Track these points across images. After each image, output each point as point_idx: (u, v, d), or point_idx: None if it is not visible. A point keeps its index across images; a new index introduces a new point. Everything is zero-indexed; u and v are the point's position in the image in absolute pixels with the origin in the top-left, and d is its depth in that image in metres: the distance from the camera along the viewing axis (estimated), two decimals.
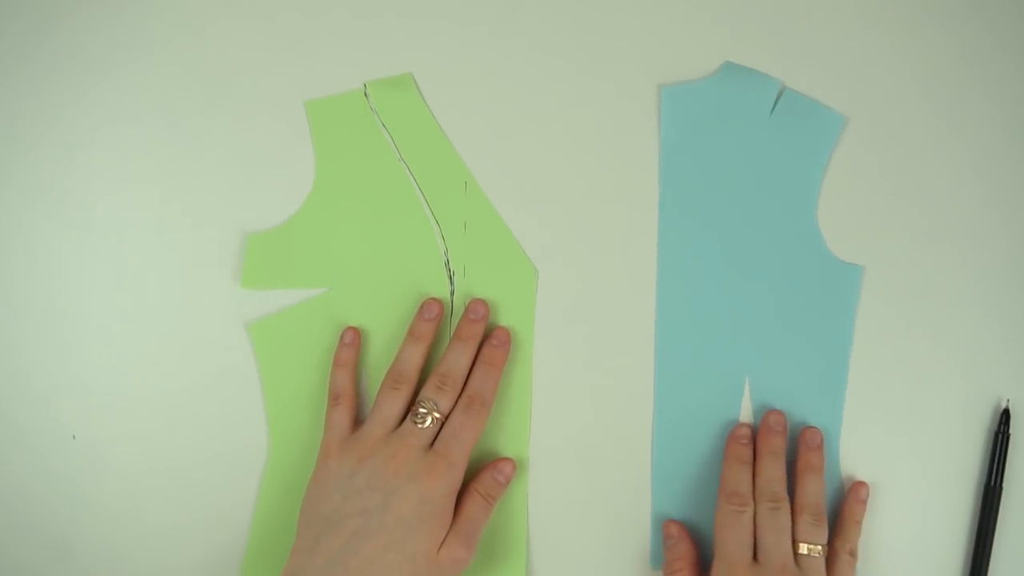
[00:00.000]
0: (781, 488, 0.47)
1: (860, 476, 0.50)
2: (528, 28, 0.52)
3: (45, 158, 0.53)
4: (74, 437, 0.52)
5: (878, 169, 0.51)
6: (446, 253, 0.51)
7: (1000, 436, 0.49)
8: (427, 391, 0.47)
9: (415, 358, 0.48)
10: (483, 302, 0.50)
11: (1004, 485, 0.49)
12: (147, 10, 0.53)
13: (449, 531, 0.45)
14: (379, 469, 0.45)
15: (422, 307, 0.50)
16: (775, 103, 0.51)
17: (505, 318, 0.51)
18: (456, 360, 0.48)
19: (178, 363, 0.52)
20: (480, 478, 0.48)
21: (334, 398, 0.49)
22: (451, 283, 0.51)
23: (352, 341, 0.50)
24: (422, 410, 0.46)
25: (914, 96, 0.51)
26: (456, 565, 0.45)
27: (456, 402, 0.47)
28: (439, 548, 0.45)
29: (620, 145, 0.52)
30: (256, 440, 0.51)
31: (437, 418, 0.46)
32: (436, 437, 0.46)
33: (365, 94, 0.52)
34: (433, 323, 0.49)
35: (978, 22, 0.51)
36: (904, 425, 0.50)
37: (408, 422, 0.46)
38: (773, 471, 0.47)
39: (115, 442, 0.51)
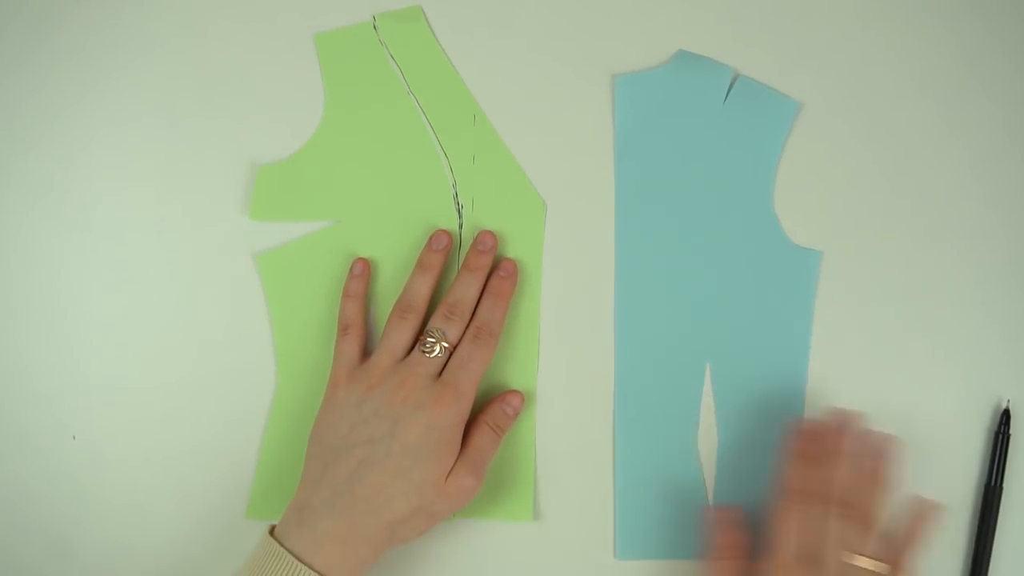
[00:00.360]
0: (853, 495, 0.44)
1: None
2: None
3: (45, 158, 0.53)
4: (74, 437, 0.52)
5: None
6: (455, 186, 0.52)
7: (1000, 436, 0.49)
8: (435, 321, 0.47)
9: (423, 288, 0.49)
10: (491, 233, 0.50)
11: (1004, 485, 0.49)
12: (146, 9, 0.53)
13: (457, 460, 0.45)
14: (386, 397, 0.45)
15: (431, 238, 0.50)
16: (729, 90, 0.51)
17: (514, 250, 0.51)
18: (464, 290, 0.48)
19: (184, 341, 0.52)
20: (489, 410, 0.48)
21: (343, 328, 0.49)
22: (459, 216, 0.51)
23: (362, 272, 0.50)
24: (430, 339, 0.46)
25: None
26: (464, 493, 0.45)
27: (463, 331, 0.47)
28: (447, 477, 0.45)
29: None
30: (263, 387, 0.51)
31: (445, 347, 0.46)
32: (444, 367, 0.47)
33: (374, 27, 0.53)
34: (442, 254, 0.50)
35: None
36: (904, 425, 0.50)
37: (416, 351, 0.46)
38: (843, 473, 0.45)
39: (115, 440, 0.51)
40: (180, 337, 0.52)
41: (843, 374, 0.51)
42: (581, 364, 0.51)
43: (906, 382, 0.50)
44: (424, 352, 0.46)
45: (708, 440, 0.50)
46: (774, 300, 0.51)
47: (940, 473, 0.50)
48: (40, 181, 0.53)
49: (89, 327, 0.52)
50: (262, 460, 0.51)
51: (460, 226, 0.51)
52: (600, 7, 0.53)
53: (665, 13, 0.53)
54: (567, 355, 0.51)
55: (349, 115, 0.52)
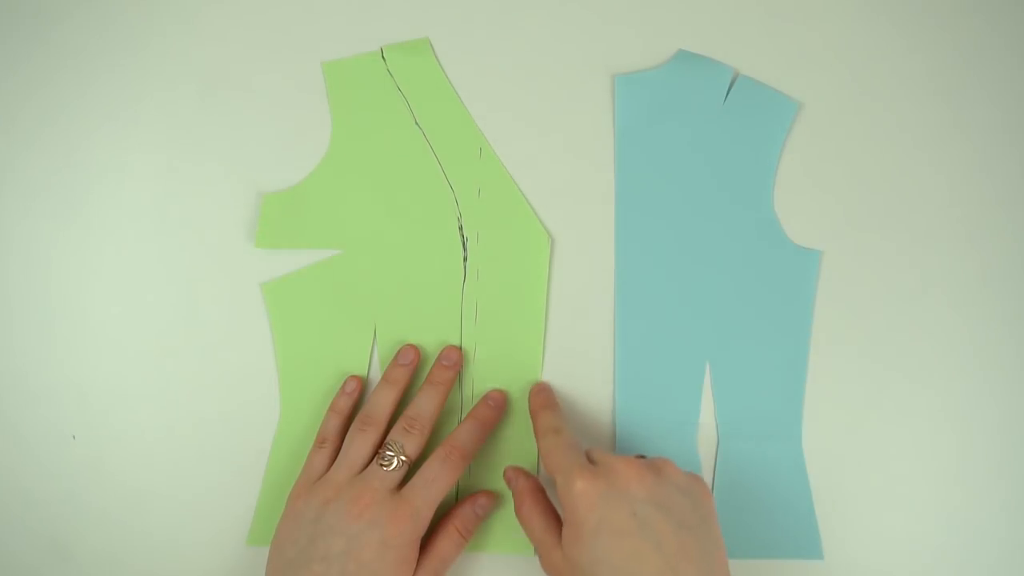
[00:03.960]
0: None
1: (861, 476, 0.50)
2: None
3: (45, 158, 0.53)
4: (74, 437, 0.52)
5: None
6: (460, 219, 0.51)
7: None
8: (394, 434, 0.47)
9: (386, 401, 0.48)
10: (457, 349, 0.50)
11: None
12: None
13: (418, 569, 0.45)
14: (342, 512, 0.44)
15: (398, 353, 0.50)
16: (728, 90, 0.51)
17: (518, 284, 0.51)
18: (426, 404, 0.48)
19: (186, 343, 0.52)
20: (459, 513, 0.48)
21: (319, 441, 0.48)
22: (464, 249, 0.51)
23: (352, 391, 0.50)
24: (389, 452, 0.46)
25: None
26: None
27: (424, 445, 0.47)
28: None
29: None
30: (267, 414, 0.51)
31: (404, 461, 0.46)
32: (404, 480, 0.46)
33: (383, 56, 0.53)
34: (408, 368, 0.49)
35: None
36: (904, 425, 0.50)
37: (374, 464, 0.46)
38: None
39: (115, 441, 0.51)
40: (182, 339, 0.52)
41: (843, 374, 0.51)
42: (581, 364, 0.51)
43: (906, 382, 0.50)
44: (382, 466, 0.45)
45: (708, 440, 0.50)
46: (774, 300, 0.51)
47: (940, 473, 0.50)
48: (40, 181, 0.53)
49: (89, 328, 0.52)
50: (264, 488, 0.50)
51: (465, 259, 0.51)
52: (600, 7, 0.53)
53: (665, 13, 0.53)
54: (567, 355, 0.51)
55: (356, 144, 0.52)
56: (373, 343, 0.51)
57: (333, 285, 0.51)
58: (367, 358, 0.51)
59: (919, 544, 0.50)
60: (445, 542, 0.46)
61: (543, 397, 0.49)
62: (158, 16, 0.54)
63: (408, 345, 0.50)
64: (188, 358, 0.52)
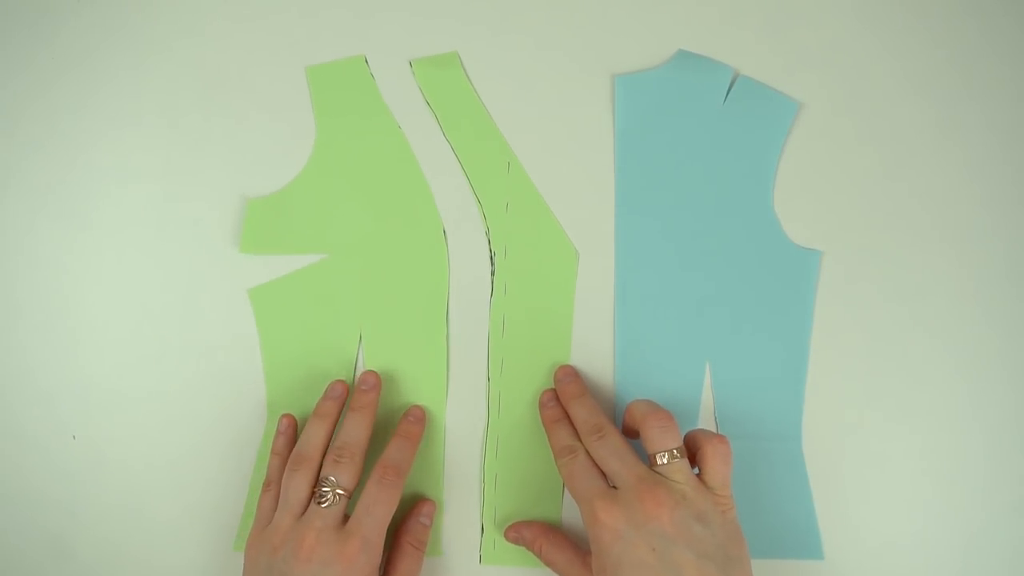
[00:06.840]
0: (597, 418, 0.46)
1: (861, 476, 0.50)
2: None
3: (47, 159, 0.53)
4: (74, 437, 0.52)
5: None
6: (488, 233, 0.51)
7: None
8: (326, 468, 0.45)
9: (316, 437, 0.47)
10: (373, 373, 0.50)
11: None
12: (147, 10, 0.54)
13: None
14: (290, 559, 0.43)
15: (328, 388, 0.49)
16: (729, 90, 0.51)
17: (546, 299, 0.51)
18: (353, 431, 0.47)
19: (183, 344, 0.52)
20: (409, 528, 0.48)
21: (266, 484, 0.48)
22: (492, 264, 0.51)
23: (286, 430, 0.49)
24: (324, 488, 0.45)
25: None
26: None
27: (358, 473, 0.46)
28: None
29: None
30: (257, 419, 0.51)
31: (340, 494, 0.45)
32: (348, 509, 0.45)
33: (365, 60, 0.53)
34: (336, 402, 0.49)
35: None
36: (904, 425, 0.50)
37: (312, 505, 0.45)
38: (580, 410, 0.47)
39: (115, 440, 0.51)
40: (179, 341, 0.52)
41: (843, 374, 0.51)
42: (581, 364, 0.51)
43: (906, 382, 0.50)
44: (320, 503, 0.44)
45: None
46: (774, 300, 0.51)
47: (940, 473, 0.50)
48: (43, 182, 0.53)
49: (90, 328, 0.52)
50: (251, 495, 0.50)
51: (492, 273, 0.51)
52: (600, 7, 0.53)
53: (665, 13, 0.53)
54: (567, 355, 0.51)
55: (339, 148, 0.52)
56: (359, 348, 0.51)
57: (319, 290, 0.51)
58: (352, 363, 0.51)
59: (919, 544, 0.50)
60: (405, 561, 0.47)
61: (552, 412, 0.49)
62: (160, 22, 0.54)
63: (336, 380, 0.50)
64: (185, 360, 0.52)
